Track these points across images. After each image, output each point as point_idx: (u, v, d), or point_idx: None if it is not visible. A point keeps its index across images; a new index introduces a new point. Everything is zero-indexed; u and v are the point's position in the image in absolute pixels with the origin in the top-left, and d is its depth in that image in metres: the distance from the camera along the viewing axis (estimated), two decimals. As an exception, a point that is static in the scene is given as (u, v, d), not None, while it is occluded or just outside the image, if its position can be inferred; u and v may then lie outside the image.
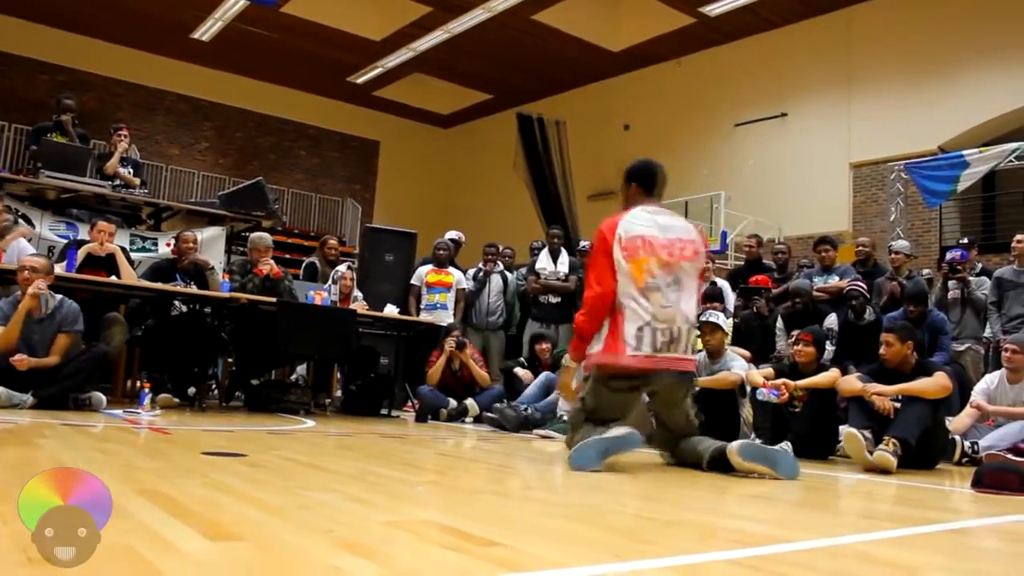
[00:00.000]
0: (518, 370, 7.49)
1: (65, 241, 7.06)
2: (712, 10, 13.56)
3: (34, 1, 14.85)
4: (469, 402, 7.22)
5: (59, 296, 5.27)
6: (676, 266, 3.77)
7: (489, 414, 6.81)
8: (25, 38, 15.62)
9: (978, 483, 3.70)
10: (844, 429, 4.51)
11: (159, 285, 6.33)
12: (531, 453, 4.74)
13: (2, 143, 14.44)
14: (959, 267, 7.14)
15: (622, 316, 3.71)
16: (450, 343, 7.32)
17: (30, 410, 4.67)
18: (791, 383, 5.13)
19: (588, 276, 3.92)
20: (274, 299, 6.48)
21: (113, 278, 6.12)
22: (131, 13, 15.06)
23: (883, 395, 4.66)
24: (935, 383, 4.61)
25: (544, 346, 7.44)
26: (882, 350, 4.86)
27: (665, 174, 4.05)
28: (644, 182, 4.01)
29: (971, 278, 7.15)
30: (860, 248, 8.04)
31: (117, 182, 8.02)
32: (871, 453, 4.30)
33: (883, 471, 4.20)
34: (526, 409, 6.60)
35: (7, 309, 5.07)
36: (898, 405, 4.65)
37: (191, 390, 6.39)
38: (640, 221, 3.82)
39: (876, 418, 4.60)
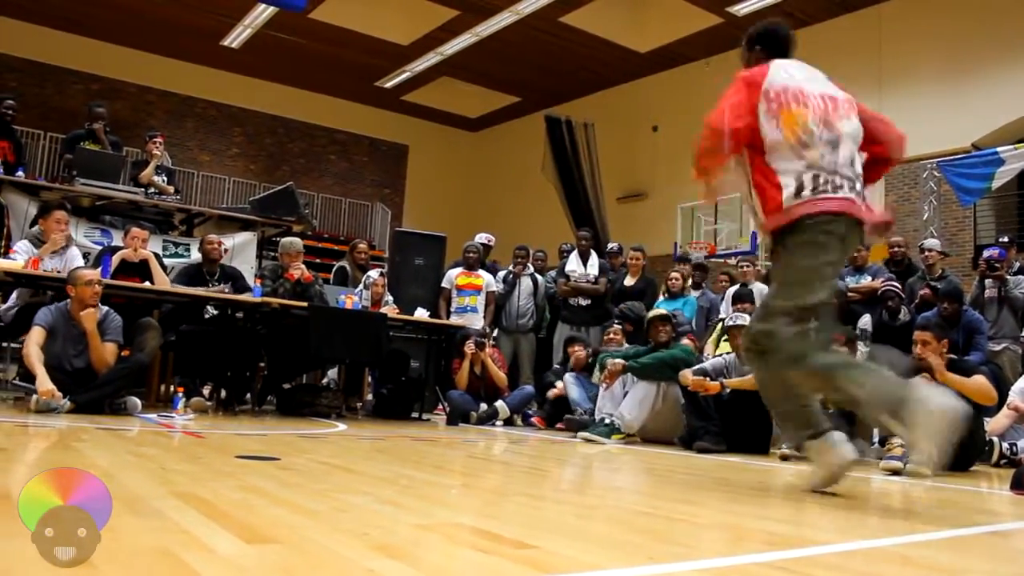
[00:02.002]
0: (559, 383, 7.36)
1: (100, 247, 7.16)
2: (740, 10, 13.45)
3: (66, 11, 15.12)
4: (499, 404, 7.22)
5: (104, 308, 5.36)
6: (834, 124, 3.08)
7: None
8: (58, 48, 15.91)
9: (1017, 485, 3.64)
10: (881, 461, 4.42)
11: (192, 290, 6.42)
12: (562, 455, 4.73)
13: (38, 152, 14.68)
14: (996, 265, 7.01)
15: (776, 175, 3.07)
16: (470, 345, 7.33)
17: (67, 414, 4.74)
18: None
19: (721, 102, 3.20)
20: (305, 303, 6.54)
21: (147, 284, 6.22)
22: (162, 22, 15.28)
23: None
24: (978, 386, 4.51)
25: (577, 348, 7.40)
26: (917, 349, 4.77)
27: (794, 37, 3.39)
28: (773, 46, 3.35)
29: (1008, 277, 7.02)
30: (895, 248, 7.75)
31: (152, 190, 8.12)
32: (905, 465, 4.21)
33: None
34: (583, 413, 6.65)
35: (54, 317, 5.14)
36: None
37: (224, 394, 6.47)
38: (787, 71, 3.17)
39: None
